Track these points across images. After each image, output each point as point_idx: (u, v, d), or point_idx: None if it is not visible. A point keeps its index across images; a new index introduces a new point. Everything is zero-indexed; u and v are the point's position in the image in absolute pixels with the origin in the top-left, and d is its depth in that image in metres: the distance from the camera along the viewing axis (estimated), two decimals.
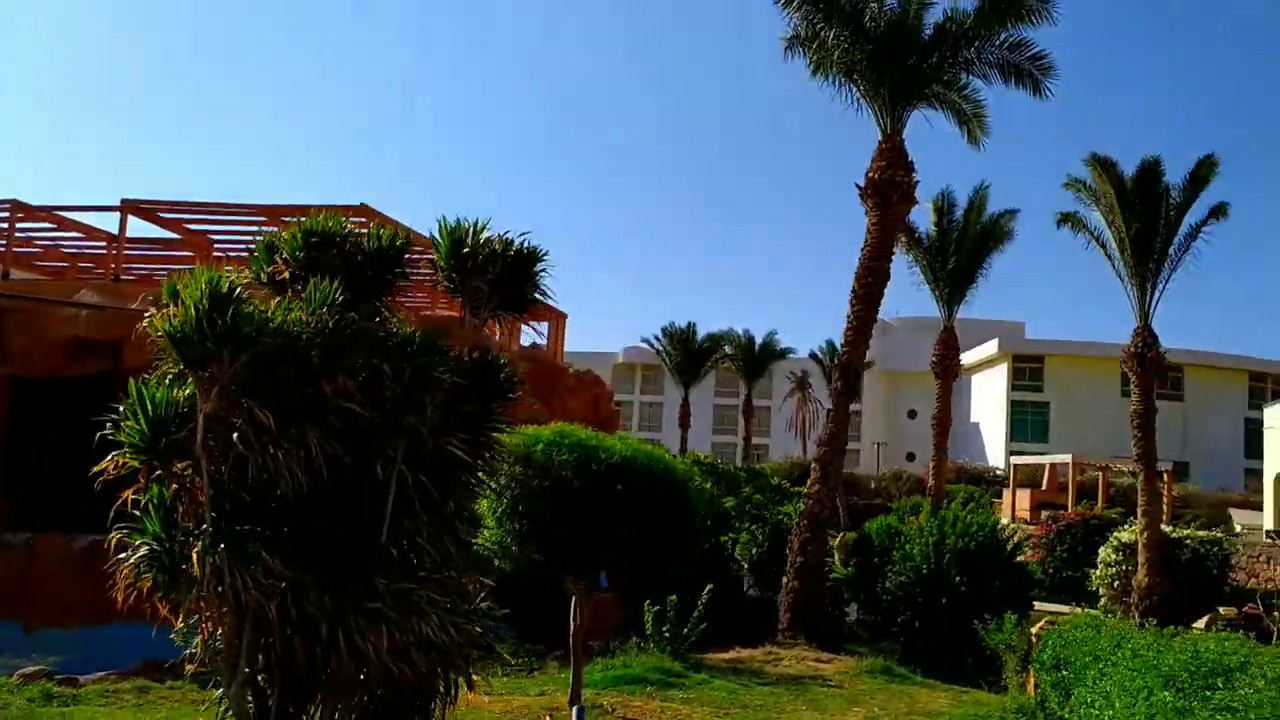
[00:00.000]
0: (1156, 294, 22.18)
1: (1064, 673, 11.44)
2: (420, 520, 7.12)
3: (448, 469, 7.39)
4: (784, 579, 16.94)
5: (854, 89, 18.42)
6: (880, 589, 17.07)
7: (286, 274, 7.53)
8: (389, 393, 7.07)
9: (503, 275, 8.33)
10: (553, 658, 14.67)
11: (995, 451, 59.25)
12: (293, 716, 7.04)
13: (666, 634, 14.10)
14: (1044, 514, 32.01)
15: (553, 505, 11.47)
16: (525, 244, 8.47)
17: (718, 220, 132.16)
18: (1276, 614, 18.33)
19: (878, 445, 61.98)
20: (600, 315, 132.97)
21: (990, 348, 61.98)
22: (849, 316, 17.72)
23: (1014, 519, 37.26)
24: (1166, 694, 8.11)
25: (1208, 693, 7.36)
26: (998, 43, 18.11)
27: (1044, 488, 38.64)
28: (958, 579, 16.35)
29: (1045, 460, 41.44)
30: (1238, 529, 34.91)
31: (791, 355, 54.78)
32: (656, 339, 51.67)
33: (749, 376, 51.72)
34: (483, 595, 7.92)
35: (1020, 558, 19.50)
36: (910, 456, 64.97)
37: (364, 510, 6.99)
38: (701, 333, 51.55)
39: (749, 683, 13.51)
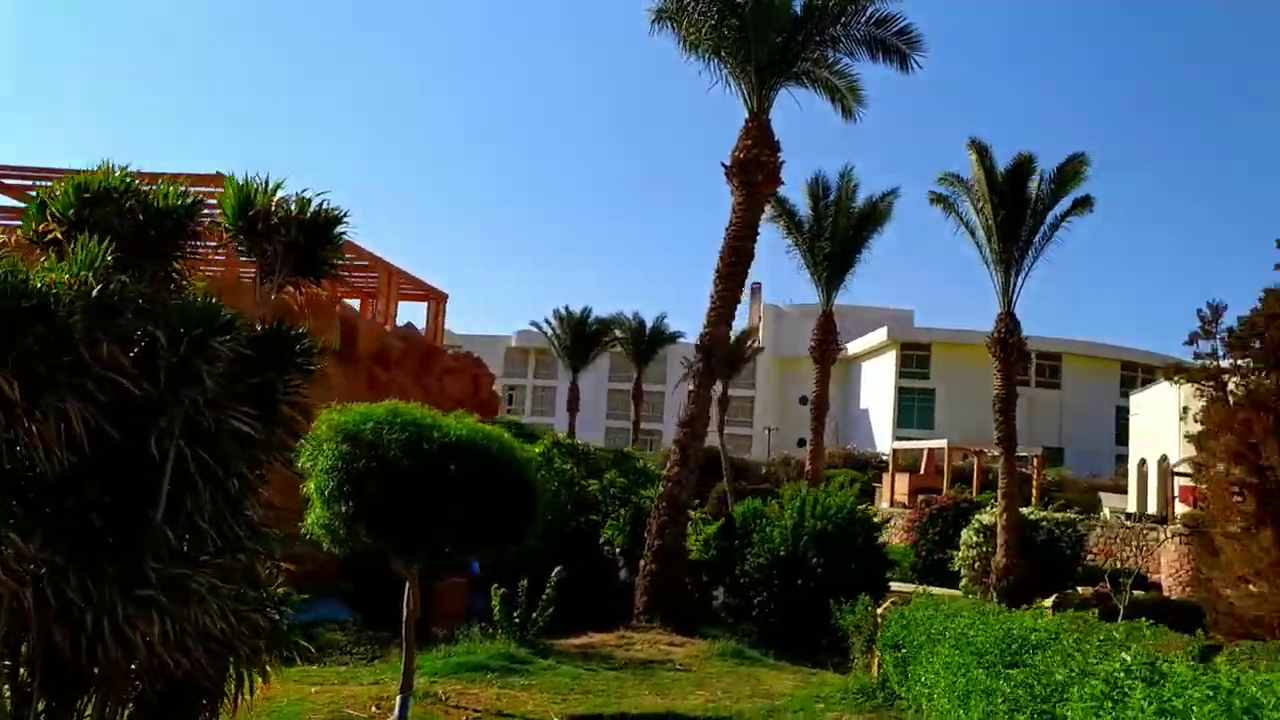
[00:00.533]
0: (1020, 281, 22.58)
1: (903, 652, 11.47)
2: (201, 500, 6.59)
3: (233, 445, 6.89)
4: (641, 562, 16.71)
5: (722, 66, 18.22)
6: (739, 571, 16.96)
7: (58, 232, 6.92)
8: (162, 362, 6.50)
9: (298, 239, 7.82)
10: (397, 645, 14.20)
11: (883, 438, 60.26)
12: (60, 711, 6.47)
13: (516, 619, 13.77)
14: (920, 498, 32.53)
15: (383, 486, 10.98)
16: (325, 205, 7.97)
17: (619, 203, 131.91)
18: (1123, 593, 18.79)
19: (768, 430, 62.49)
20: (498, 299, 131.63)
21: (879, 335, 63.00)
22: (712, 296, 17.53)
23: (893, 503, 37.93)
24: (979, 671, 8.18)
25: (1011, 670, 7.38)
26: (864, 18, 18.08)
27: (922, 473, 39.35)
28: (815, 561, 16.33)
29: (924, 446, 42.22)
30: (1106, 512, 36.05)
31: (682, 340, 54.70)
32: (547, 322, 51.12)
33: (639, 361, 51.50)
34: (280, 580, 7.46)
35: (884, 540, 19.68)
36: (801, 442, 65.40)
37: (136, 489, 6.43)
38: (598, 316, 51.31)
39: (596, 668, 13.25)
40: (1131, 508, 38.52)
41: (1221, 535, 17.07)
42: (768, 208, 30.40)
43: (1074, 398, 59.86)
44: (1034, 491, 36.53)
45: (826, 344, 30.29)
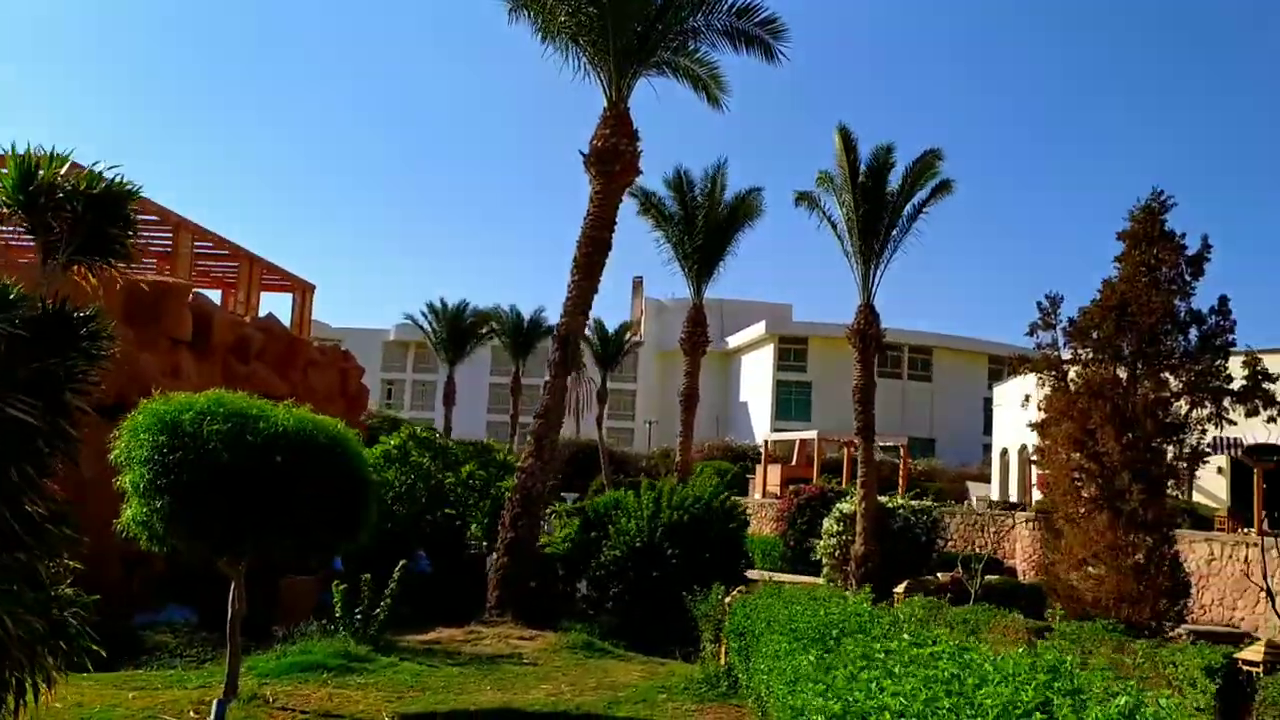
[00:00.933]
0: (879, 273, 23.01)
1: (746, 639, 11.51)
2: None
3: (10, 436, 6.44)
4: (493, 555, 16.44)
5: (580, 54, 18.02)
6: (594, 564, 16.84)
7: None
8: None
9: (84, 215, 7.36)
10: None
11: (762, 430, 61.09)
12: None
13: (359, 616, 13.37)
14: (790, 488, 32.98)
15: (203, 480, 10.48)
16: (116, 180, 7.52)
17: (502, 194, 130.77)
18: (974, 577, 19.32)
19: (649, 424, 62.72)
20: (379, 291, 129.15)
21: (758, 329, 63.81)
22: (569, 286, 17.32)
23: (765, 494, 38.39)
24: (806, 655, 8.26)
25: (825, 654, 7.44)
26: (725, 8, 18.10)
27: (794, 463, 39.94)
28: (670, 551, 16.31)
29: (796, 437, 42.91)
30: (973, 500, 37.21)
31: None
32: (422, 314, 50.21)
33: (518, 354, 51.05)
34: (70, 579, 7.02)
35: (754, 529, 19.90)
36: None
37: None
38: (476, 309, 50.65)
39: (440, 664, 12.95)
40: (995, 495, 39.87)
41: (1063, 520, 17.65)
42: (637, 201, 30.57)
43: (945, 390, 61.65)
44: (900, 480, 37.43)
45: (696, 337, 30.43)
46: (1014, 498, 36.21)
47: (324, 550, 12.36)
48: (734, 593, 13.83)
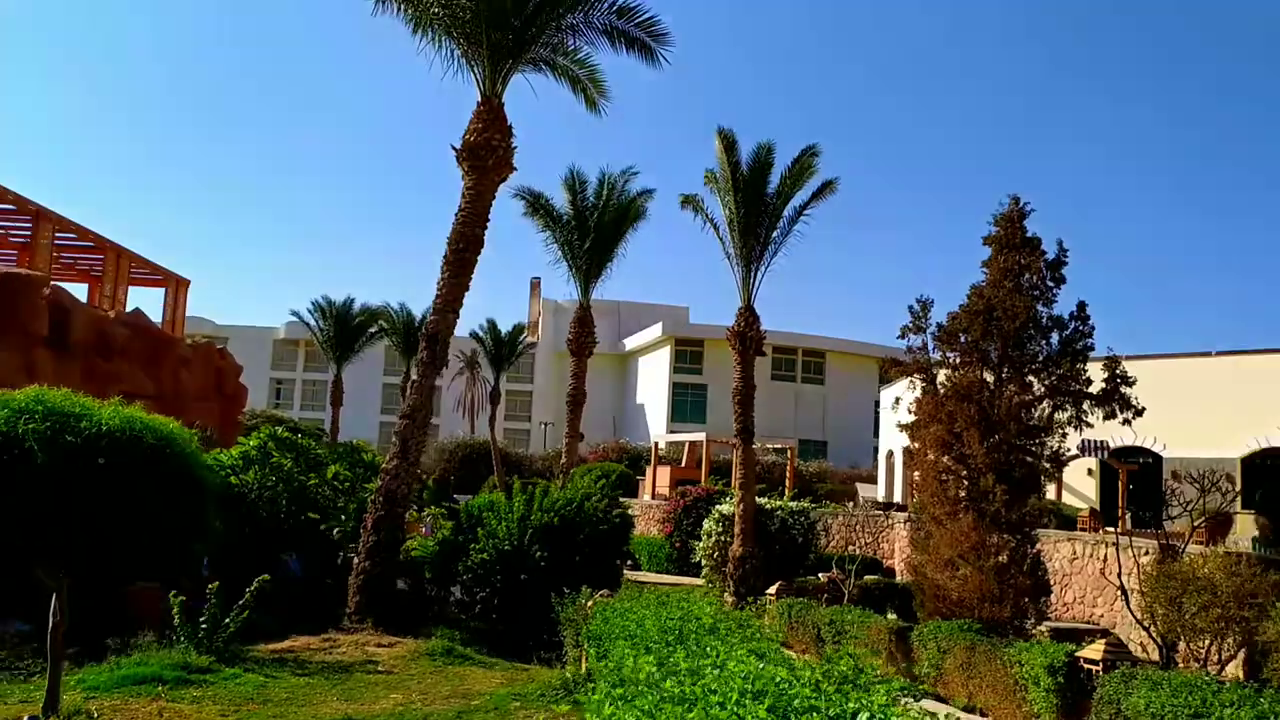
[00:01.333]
0: (760, 275, 23.07)
1: (604, 644, 11.34)
2: None
3: None
4: (354, 559, 15.94)
5: (454, 48, 17.63)
6: (462, 568, 16.46)
7: None
8: None
9: None
10: (70, 658, 12.91)
11: (658, 431, 61.23)
12: None
13: (204, 625, 12.73)
14: (678, 490, 32.98)
15: (20, 482, 9.85)
16: None
17: (398, 192, 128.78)
18: (848, 578, 19.48)
19: (544, 425, 62.31)
20: (274, 288, 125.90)
21: (655, 331, 63.94)
22: (439, 284, 16.90)
23: (655, 495, 38.36)
24: (646, 658, 8.18)
25: (670, 658, 7.34)
26: (605, 7, 17.89)
27: (684, 465, 40.02)
28: (539, 554, 16.03)
29: (686, 439, 43.05)
30: (861, 501, 37.79)
31: (457, 334, 53.71)
32: (309, 312, 48.96)
33: (408, 353, 50.17)
34: None
35: (629, 531, 19.65)
36: (581, 436, 65.91)
37: None
38: (365, 306, 49.60)
39: (287, 674, 12.40)
40: (880, 496, 40.60)
41: (931, 520, 17.88)
42: (525, 202, 30.24)
43: (838, 393, 62.61)
44: (787, 482, 37.81)
45: (583, 338, 30.17)
46: (898, 499, 36.87)
47: (159, 556, 11.76)
48: (596, 596, 13.63)
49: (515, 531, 16.31)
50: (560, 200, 30.44)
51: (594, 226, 29.76)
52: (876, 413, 59.92)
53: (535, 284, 70.63)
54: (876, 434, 57.35)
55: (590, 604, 13.19)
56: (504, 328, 50.56)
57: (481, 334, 50.56)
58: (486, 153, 17.01)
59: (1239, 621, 14.33)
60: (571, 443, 29.99)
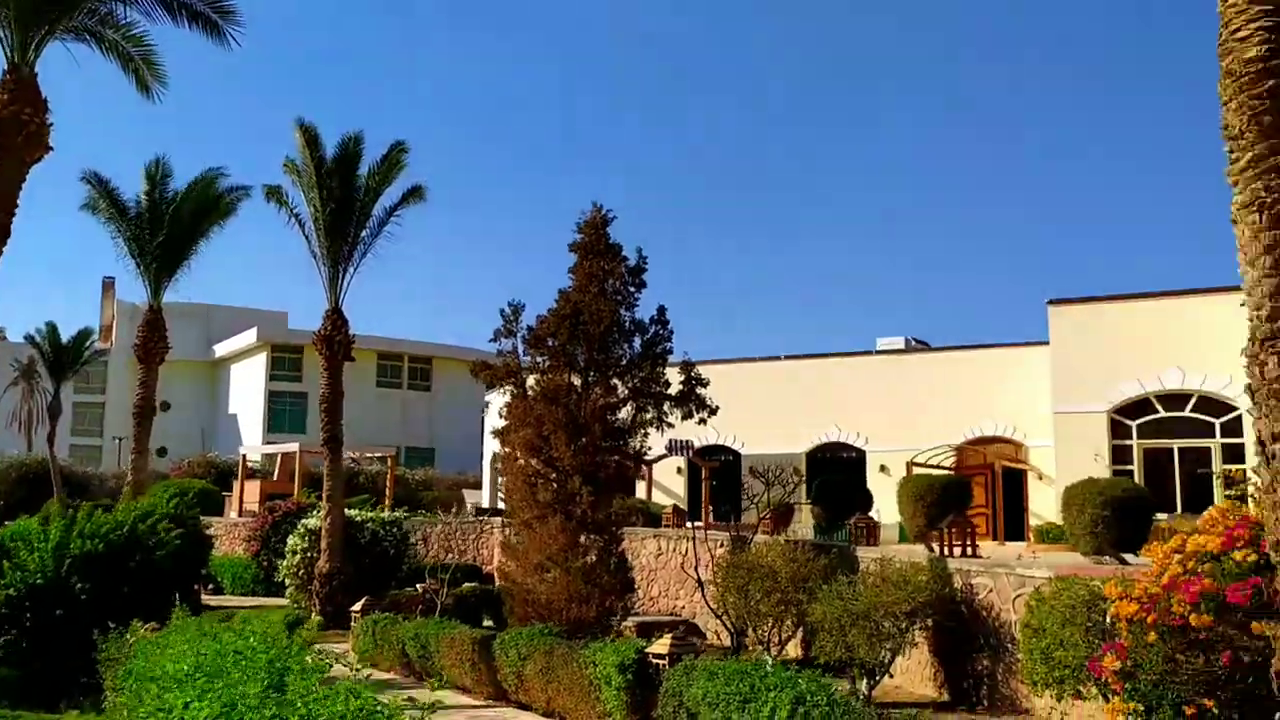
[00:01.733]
0: (349, 276, 22.07)
1: (138, 684, 10.11)
2: None
3: None
4: None
5: None
6: None
7: None
8: None
9: None
10: None
11: (253, 443, 57.43)
12: None
13: None
14: (267, 505, 30.88)
15: None
16: None
17: None
18: (442, 587, 19.01)
19: (118, 440, 56.41)
20: None
21: (249, 337, 60.03)
22: None
23: (242, 512, 35.79)
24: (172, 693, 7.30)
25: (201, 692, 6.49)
26: None
27: (275, 478, 37.72)
28: (79, 587, 14.10)
29: (278, 450, 40.71)
30: (468, 507, 37.56)
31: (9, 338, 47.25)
32: None
33: None
34: None
35: (223, 550, 17.97)
36: (163, 451, 60.16)
37: None
38: None
39: None
40: (485, 502, 40.66)
41: (521, 524, 17.86)
42: (89, 190, 26.97)
43: (446, 399, 62.11)
44: (388, 491, 36.77)
45: (153, 343, 27.30)
46: (501, 503, 37.04)
47: None
48: (143, 630, 12.19)
49: (50, 563, 14.22)
50: (137, 189, 27.53)
51: (168, 220, 27.07)
52: (484, 418, 60.33)
53: (109, 284, 63.85)
54: (484, 439, 57.64)
55: (134, 640, 11.74)
56: (73, 331, 45.21)
57: (39, 339, 44.72)
58: (14, 129, 14.72)
59: (795, 604, 15.57)
60: (139, 459, 27.03)
